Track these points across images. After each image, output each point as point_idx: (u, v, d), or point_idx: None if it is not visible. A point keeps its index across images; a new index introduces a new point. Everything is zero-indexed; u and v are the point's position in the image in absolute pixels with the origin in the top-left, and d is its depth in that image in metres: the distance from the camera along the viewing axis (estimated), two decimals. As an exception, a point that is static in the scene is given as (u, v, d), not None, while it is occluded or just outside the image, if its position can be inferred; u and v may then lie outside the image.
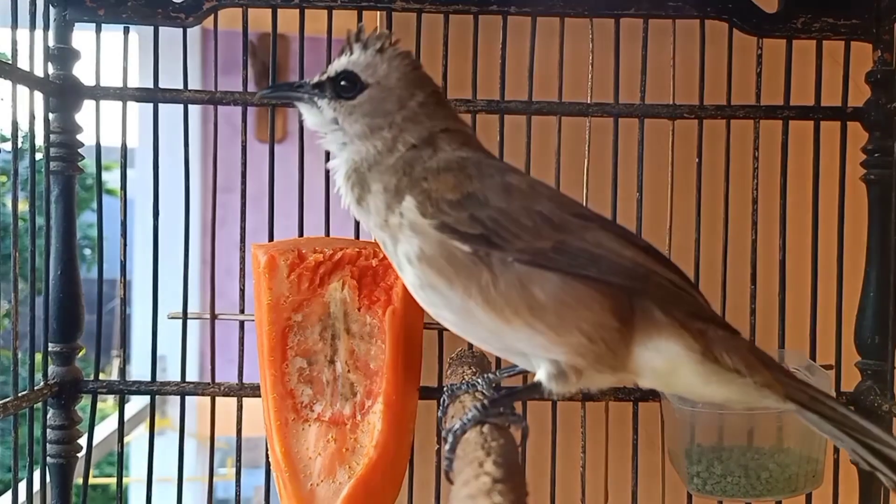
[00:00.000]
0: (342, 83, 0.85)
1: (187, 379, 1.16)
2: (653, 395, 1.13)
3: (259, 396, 1.04)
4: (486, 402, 0.77)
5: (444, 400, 0.88)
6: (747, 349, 0.81)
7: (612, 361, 0.77)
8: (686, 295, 0.79)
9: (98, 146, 1.14)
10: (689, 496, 1.15)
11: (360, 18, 1.14)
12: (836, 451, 1.13)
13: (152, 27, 1.14)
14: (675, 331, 0.78)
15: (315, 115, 0.88)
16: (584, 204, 1.13)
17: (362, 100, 0.84)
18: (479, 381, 0.86)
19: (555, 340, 0.76)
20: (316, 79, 0.87)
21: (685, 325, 0.78)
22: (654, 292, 0.78)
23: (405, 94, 0.84)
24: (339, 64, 0.85)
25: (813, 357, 1.12)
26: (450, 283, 0.77)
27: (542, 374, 0.78)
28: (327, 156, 0.92)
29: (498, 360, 1.10)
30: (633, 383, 1.11)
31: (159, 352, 1.16)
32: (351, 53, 0.85)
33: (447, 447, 0.76)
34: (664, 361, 0.78)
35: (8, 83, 1.00)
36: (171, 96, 1.14)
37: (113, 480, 4.39)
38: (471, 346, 1.14)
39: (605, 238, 0.77)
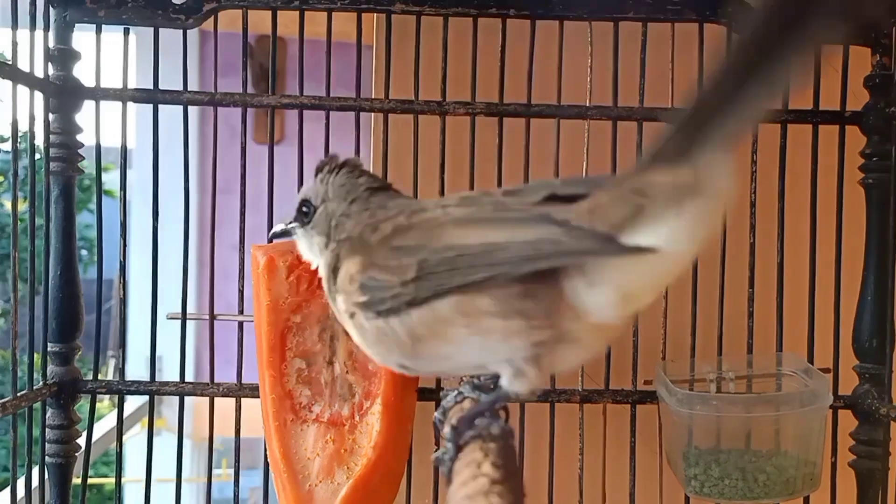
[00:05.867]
0: (303, 210, 0.94)
1: (184, 379, 1.16)
2: (651, 398, 1.14)
3: (257, 397, 1.04)
4: (455, 425, 0.76)
5: (437, 416, 0.88)
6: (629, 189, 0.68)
7: (547, 328, 0.71)
8: (548, 245, 0.69)
9: (98, 147, 1.14)
10: (687, 498, 1.15)
11: (359, 21, 1.14)
12: (834, 454, 1.13)
13: (152, 28, 1.14)
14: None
15: (299, 245, 0.96)
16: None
17: (314, 221, 0.92)
18: (466, 387, 0.85)
19: (481, 340, 0.74)
20: (295, 212, 0.96)
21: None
22: (519, 262, 0.70)
23: (339, 206, 0.90)
24: (301, 194, 0.95)
25: (811, 360, 1.12)
26: (386, 350, 0.80)
27: (503, 381, 0.76)
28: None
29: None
30: (631, 385, 1.13)
31: (155, 352, 1.16)
32: (308, 183, 0.95)
33: (445, 470, 0.74)
34: (601, 274, 0.70)
35: (8, 83, 1.00)
36: (171, 97, 1.14)
37: (108, 480, 4.39)
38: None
39: (455, 234, 0.75)
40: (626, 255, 0.67)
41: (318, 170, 0.94)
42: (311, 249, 0.93)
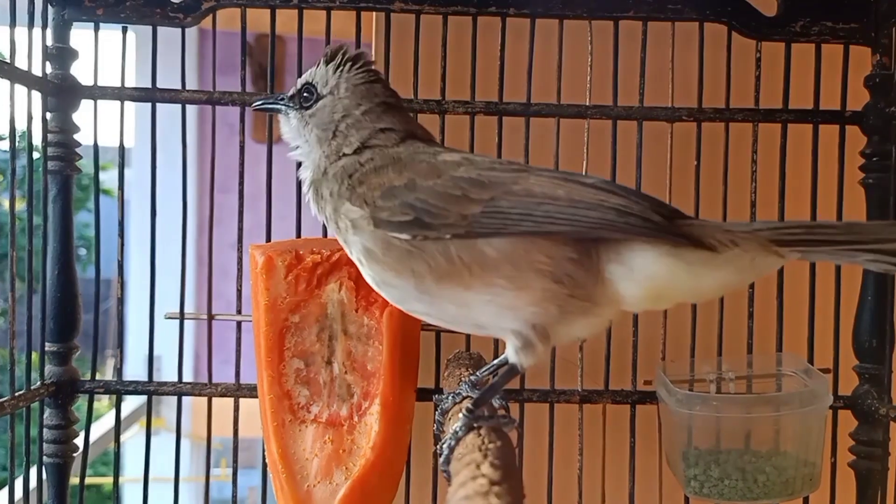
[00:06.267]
0: (304, 94, 0.91)
1: (182, 379, 1.15)
2: (650, 398, 1.13)
3: (256, 397, 1.04)
4: (469, 405, 0.77)
5: (437, 418, 0.88)
6: (718, 225, 0.77)
7: (583, 299, 0.76)
8: (635, 217, 0.74)
9: (96, 146, 1.14)
10: (687, 499, 1.15)
11: (358, 19, 1.14)
12: (833, 454, 1.13)
13: (150, 27, 1.14)
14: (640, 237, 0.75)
15: (285, 125, 0.94)
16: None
17: (316, 109, 0.90)
18: (464, 386, 0.85)
19: (518, 294, 0.75)
20: (291, 91, 0.93)
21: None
22: (600, 226, 0.74)
23: (351, 104, 0.89)
24: (304, 77, 0.92)
25: (811, 361, 1.12)
26: (397, 274, 0.79)
27: (509, 352, 0.78)
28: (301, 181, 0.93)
29: (496, 356, 1.10)
30: (631, 386, 1.12)
31: (154, 352, 1.16)
32: (317, 67, 0.92)
33: (442, 459, 0.76)
34: (641, 268, 0.75)
35: (6, 82, 1.00)
36: (170, 96, 1.14)
37: (107, 480, 4.38)
38: (468, 347, 1.14)
39: (536, 183, 0.76)
40: (698, 249, 0.74)
41: (330, 57, 0.91)
42: (300, 136, 0.92)
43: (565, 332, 0.79)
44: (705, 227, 0.76)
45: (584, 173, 0.84)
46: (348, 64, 0.90)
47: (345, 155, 0.87)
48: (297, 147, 0.93)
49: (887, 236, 0.72)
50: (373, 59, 0.91)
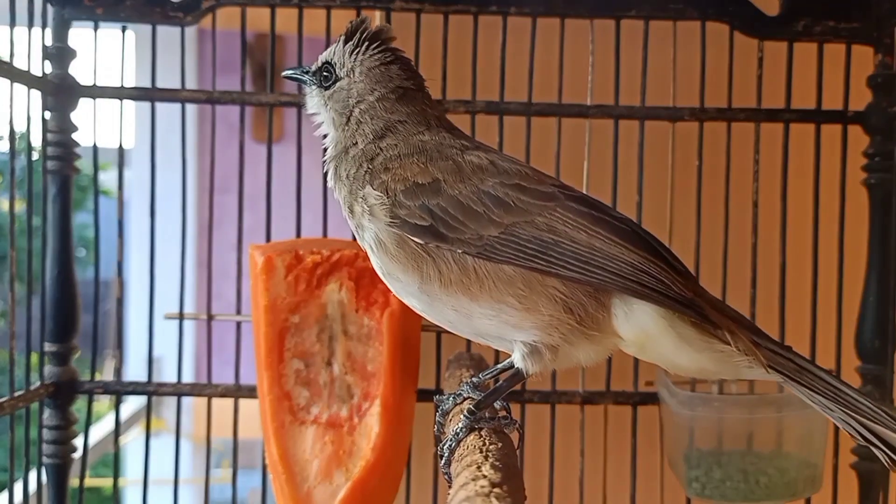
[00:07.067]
0: (324, 73, 0.90)
1: (182, 380, 1.15)
2: (652, 399, 1.13)
3: (256, 398, 1.03)
4: (471, 406, 0.77)
5: (437, 419, 0.86)
6: (728, 315, 0.78)
7: (590, 330, 0.76)
8: (649, 278, 0.75)
9: (95, 146, 1.13)
10: (688, 500, 1.14)
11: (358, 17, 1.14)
12: (836, 455, 1.13)
13: (149, 26, 1.13)
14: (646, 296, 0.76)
15: (309, 98, 0.93)
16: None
17: (333, 91, 0.89)
18: (465, 387, 0.84)
19: (525, 316, 0.75)
20: (315, 65, 0.92)
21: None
22: (612, 281, 0.75)
23: (365, 89, 0.87)
24: (325, 54, 0.91)
25: (813, 361, 1.11)
26: (404, 270, 0.78)
27: (516, 357, 0.78)
28: (324, 156, 0.92)
29: (496, 358, 1.10)
30: (633, 387, 1.12)
31: (155, 353, 1.15)
32: (336, 44, 0.90)
33: (443, 462, 0.75)
34: (638, 316, 0.76)
35: (5, 82, 0.99)
36: (169, 95, 1.13)
37: (108, 482, 4.38)
38: (469, 348, 1.13)
39: (562, 219, 0.76)
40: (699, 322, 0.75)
41: (348, 35, 0.89)
42: (322, 113, 0.91)
43: (567, 355, 0.78)
44: (714, 308, 0.77)
45: (614, 209, 0.84)
46: (365, 44, 0.87)
47: (360, 142, 0.86)
48: (322, 121, 0.92)
49: (867, 414, 0.75)
50: (393, 35, 0.89)
